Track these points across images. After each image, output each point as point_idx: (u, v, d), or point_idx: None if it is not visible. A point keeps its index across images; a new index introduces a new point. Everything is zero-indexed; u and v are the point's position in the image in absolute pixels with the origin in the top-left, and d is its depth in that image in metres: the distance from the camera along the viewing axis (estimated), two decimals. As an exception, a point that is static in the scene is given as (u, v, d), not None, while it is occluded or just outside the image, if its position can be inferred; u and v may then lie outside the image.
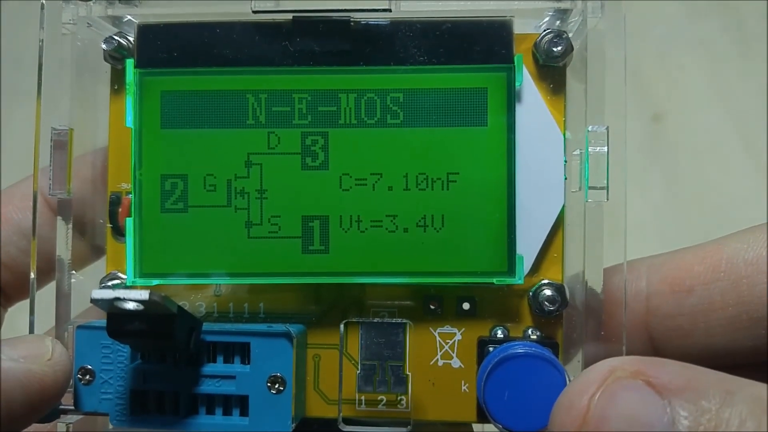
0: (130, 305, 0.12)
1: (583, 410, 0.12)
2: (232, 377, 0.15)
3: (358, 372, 0.16)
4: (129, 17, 0.16)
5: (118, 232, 0.16)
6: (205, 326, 0.15)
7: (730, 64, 0.40)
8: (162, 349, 0.14)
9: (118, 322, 0.13)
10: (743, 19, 0.42)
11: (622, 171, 0.15)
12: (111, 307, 0.13)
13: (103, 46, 0.16)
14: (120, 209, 0.16)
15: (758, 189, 0.36)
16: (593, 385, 0.13)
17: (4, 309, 0.19)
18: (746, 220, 0.31)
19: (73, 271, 0.16)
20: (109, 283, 0.16)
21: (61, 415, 0.15)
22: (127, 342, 0.14)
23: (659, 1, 0.42)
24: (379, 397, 0.16)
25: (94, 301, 0.13)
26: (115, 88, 0.16)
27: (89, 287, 0.17)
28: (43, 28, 0.16)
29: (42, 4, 0.16)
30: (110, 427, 0.15)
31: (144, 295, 0.12)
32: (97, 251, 0.17)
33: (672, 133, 0.38)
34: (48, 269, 0.16)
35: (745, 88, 0.39)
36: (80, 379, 0.15)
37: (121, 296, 0.12)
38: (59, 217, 0.16)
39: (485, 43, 0.15)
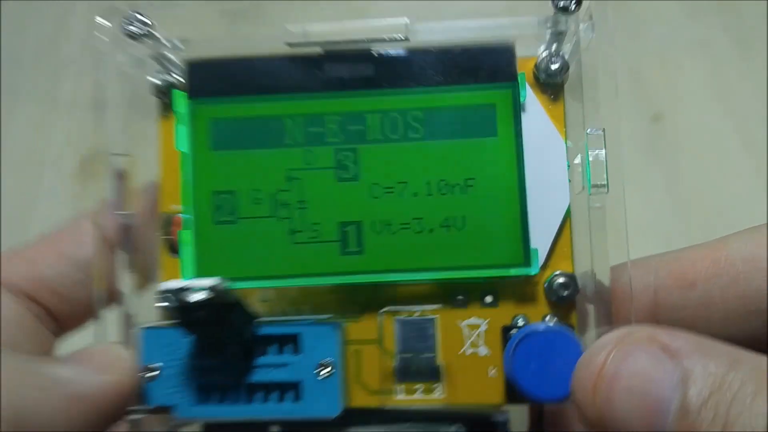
0: (197, 294, 0.14)
1: (599, 366, 0.14)
2: (285, 365, 0.16)
3: (396, 364, 0.18)
4: (170, 55, 0.19)
5: (172, 249, 0.18)
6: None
7: (730, 64, 0.40)
8: (222, 339, 0.16)
9: (185, 311, 0.15)
10: (743, 19, 0.41)
11: (619, 170, 0.17)
12: (179, 297, 0.14)
13: (153, 80, 0.18)
14: (173, 227, 0.18)
15: (758, 189, 0.35)
16: (610, 344, 0.14)
17: (57, 337, 0.21)
18: (746, 220, 0.32)
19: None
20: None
21: (128, 414, 0.17)
22: (192, 330, 0.16)
23: (659, 1, 0.42)
24: (415, 386, 0.18)
25: (162, 291, 0.14)
26: (165, 116, 0.18)
27: (147, 301, 0.19)
28: (100, 66, 0.18)
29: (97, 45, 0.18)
30: (171, 423, 0.17)
31: (210, 282, 0.14)
32: (151, 271, 0.19)
33: (672, 133, 0.37)
34: (105, 297, 0.18)
35: (745, 88, 0.39)
36: (145, 377, 0.16)
37: (189, 285, 0.14)
38: (123, 238, 0.18)
39: (492, 64, 0.18)
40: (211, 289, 0.14)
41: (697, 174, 0.36)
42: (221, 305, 0.15)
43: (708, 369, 0.14)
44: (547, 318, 0.17)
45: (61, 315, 0.20)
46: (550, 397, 0.16)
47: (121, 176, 0.18)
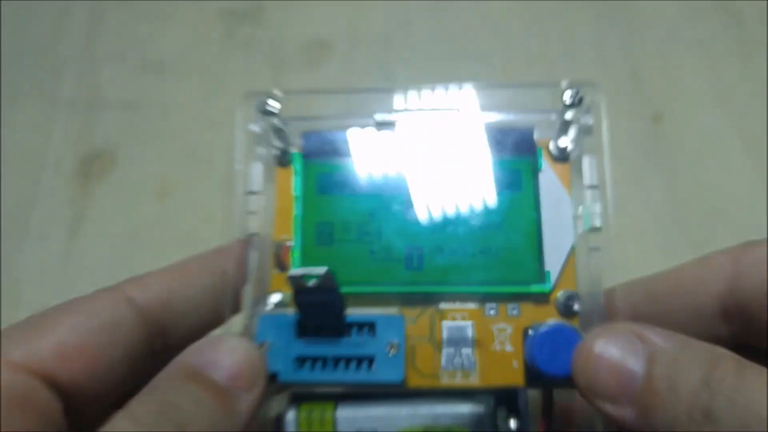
0: (313, 278, 0.21)
1: (589, 349, 0.20)
2: (363, 344, 0.22)
3: (442, 356, 0.23)
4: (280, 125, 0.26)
5: (280, 267, 0.25)
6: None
7: (730, 64, 0.40)
8: (321, 322, 0.22)
9: (302, 293, 0.21)
10: (743, 19, 0.41)
11: (611, 217, 0.24)
12: (298, 283, 0.21)
13: (275, 143, 0.26)
14: (283, 250, 0.25)
15: (758, 189, 0.35)
16: (598, 333, 0.20)
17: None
18: (746, 220, 0.33)
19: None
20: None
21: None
22: (302, 311, 0.22)
23: (659, 1, 0.42)
24: (456, 373, 0.23)
25: (290, 277, 0.21)
26: (282, 167, 0.26)
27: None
28: (240, 131, 0.25)
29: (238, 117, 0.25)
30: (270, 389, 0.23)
31: (321, 270, 0.21)
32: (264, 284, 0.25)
33: (672, 133, 0.38)
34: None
35: (745, 88, 0.39)
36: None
37: (307, 272, 0.21)
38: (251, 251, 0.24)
39: (519, 142, 0.25)
40: (322, 275, 0.21)
41: (696, 174, 0.36)
42: (325, 293, 0.21)
43: (666, 350, 0.19)
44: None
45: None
46: (558, 373, 0.21)
47: (254, 212, 0.25)
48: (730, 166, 0.36)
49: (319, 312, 0.22)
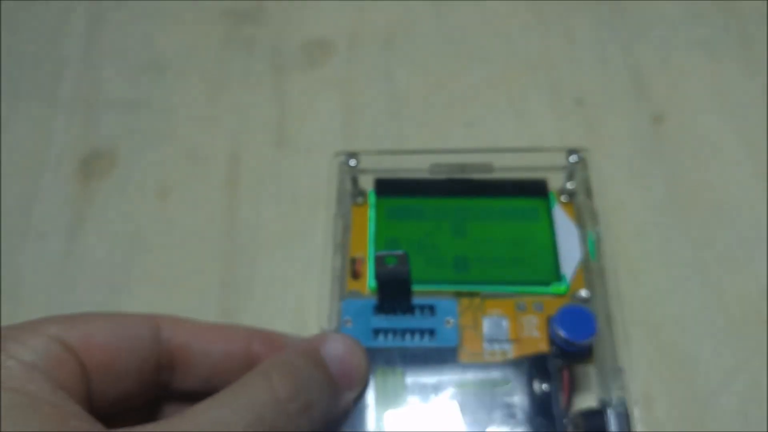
0: (393, 258, 0.28)
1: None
2: (426, 320, 0.29)
3: (484, 339, 0.30)
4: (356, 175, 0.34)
5: (354, 275, 0.32)
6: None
7: (731, 65, 0.40)
8: (397, 293, 0.29)
9: (383, 269, 0.28)
10: (744, 20, 0.41)
11: (611, 248, 0.31)
12: (381, 261, 0.28)
13: (352, 188, 0.34)
14: (357, 262, 0.32)
15: (759, 190, 0.35)
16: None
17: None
18: (747, 221, 0.34)
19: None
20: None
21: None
22: (382, 290, 0.29)
23: (660, 2, 0.42)
24: (496, 352, 0.30)
25: (376, 256, 0.28)
26: (355, 204, 0.33)
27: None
28: (330, 181, 0.33)
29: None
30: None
31: (400, 252, 0.28)
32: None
33: (673, 134, 0.37)
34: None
35: (746, 89, 0.39)
36: (344, 324, 0.29)
37: (389, 253, 0.28)
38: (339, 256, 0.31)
39: (536, 188, 0.33)
40: (401, 255, 0.28)
41: (697, 174, 0.36)
42: (400, 270, 0.28)
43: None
44: (573, 316, 0.30)
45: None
46: (578, 339, 0.28)
47: (345, 228, 0.32)
48: (731, 166, 0.36)
49: (394, 286, 0.29)
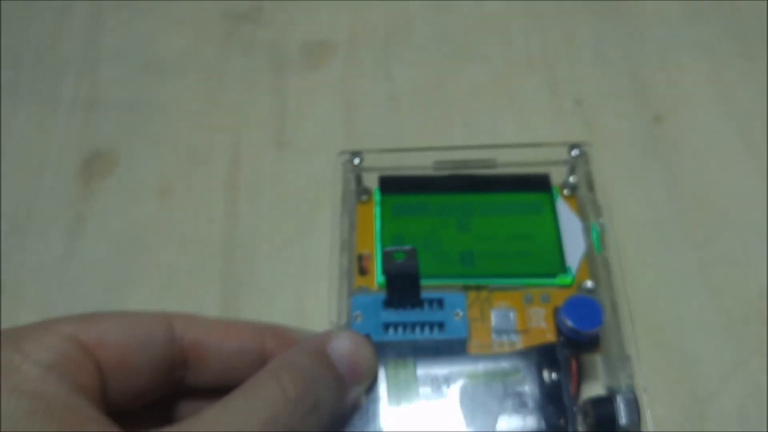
0: (401, 254, 0.28)
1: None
2: (435, 314, 0.29)
3: (492, 331, 0.30)
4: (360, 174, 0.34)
5: (361, 271, 0.32)
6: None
7: (730, 65, 0.40)
8: (405, 287, 0.29)
9: (391, 264, 0.28)
10: (744, 19, 0.42)
11: (614, 239, 0.32)
12: (389, 256, 0.28)
13: (356, 186, 0.34)
14: (364, 259, 0.32)
15: (759, 190, 0.35)
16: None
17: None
18: (747, 221, 0.34)
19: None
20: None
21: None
22: (390, 285, 0.29)
23: (659, 2, 0.43)
24: (504, 344, 0.30)
25: (385, 252, 0.28)
26: (360, 202, 0.34)
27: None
28: (336, 180, 0.33)
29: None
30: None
31: (408, 247, 0.28)
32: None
33: (673, 134, 0.38)
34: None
35: (745, 88, 0.39)
36: (354, 320, 0.29)
37: (397, 249, 0.28)
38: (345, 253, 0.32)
39: (540, 183, 0.34)
40: (408, 250, 0.28)
41: (697, 175, 0.36)
42: (408, 265, 0.29)
43: None
44: (578, 306, 0.31)
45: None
46: (585, 328, 0.28)
47: (350, 226, 0.33)
48: (731, 166, 0.36)
49: (402, 281, 0.29)
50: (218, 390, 0.23)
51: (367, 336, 0.27)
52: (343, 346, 0.24)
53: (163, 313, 0.23)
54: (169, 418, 0.25)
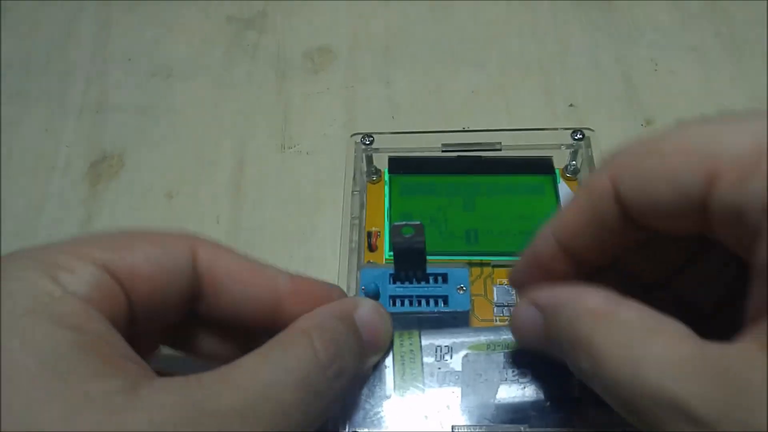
0: (410, 228, 0.29)
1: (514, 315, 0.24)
2: (439, 287, 0.31)
3: (494, 307, 0.32)
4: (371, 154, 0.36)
5: (370, 248, 0.34)
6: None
7: (721, 69, 0.41)
8: (413, 261, 0.30)
9: (399, 239, 0.30)
10: (735, 24, 0.43)
11: None
12: (398, 231, 0.30)
13: (367, 167, 0.36)
14: (373, 236, 0.34)
15: None
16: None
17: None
18: None
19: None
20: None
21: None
22: (399, 258, 0.30)
23: (651, 1, 0.44)
24: (506, 318, 0.31)
25: (394, 225, 0.29)
26: (372, 183, 0.35)
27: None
28: (348, 161, 0.35)
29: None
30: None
31: (416, 222, 0.30)
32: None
33: None
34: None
35: (736, 93, 0.40)
36: (362, 292, 0.31)
37: (406, 223, 0.30)
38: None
39: (543, 166, 0.35)
40: (417, 225, 0.30)
41: None
42: (416, 240, 0.30)
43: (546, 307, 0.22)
44: (578, 285, 0.32)
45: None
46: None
47: (361, 206, 0.34)
48: None
49: (409, 255, 0.30)
50: (227, 322, 0.24)
51: None
52: (367, 314, 0.24)
53: (188, 238, 0.23)
54: (175, 342, 0.25)
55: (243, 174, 0.39)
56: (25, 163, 0.40)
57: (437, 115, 0.41)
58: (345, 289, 0.31)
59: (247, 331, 0.26)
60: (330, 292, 0.26)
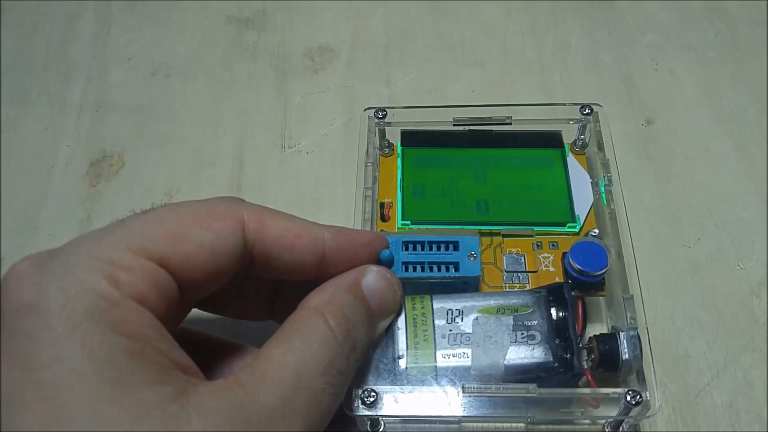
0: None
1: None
2: (451, 254, 0.31)
3: (503, 275, 0.32)
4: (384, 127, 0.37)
5: (382, 218, 0.34)
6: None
7: (721, 69, 0.41)
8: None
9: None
10: (735, 24, 0.43)
11: (618, 192, 0.34)
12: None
13: (377, 139, 0.36)
14: (386, 206, 0.35)
15: (749, 191, 0.36)
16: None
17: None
18: (737, 221, 0.35)
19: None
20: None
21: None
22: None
23: (651, 1, 0.45)
24: (515, 286, 0.32)
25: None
26: (384, 156, 0.36)
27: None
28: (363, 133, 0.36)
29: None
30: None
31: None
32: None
33: (664, 136, 0.39)
34: None
35: (736, 92, 0.40)
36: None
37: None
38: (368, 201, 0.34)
39: (553, 140, 0.36)
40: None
41: (688, 176, 0.37)
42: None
43: None
44: (586, 254, 0.33)
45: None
46: (591, 269, 0.30)
47: (374, 179, 0.35)
48: (721, 168, 0.37)
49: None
50: (262, 283, 0.26)
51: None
52: (374, 281, 0.25)
53: (235, 210, 0.22)
54: (206, 305, 0.26)
55: (243, 173, 0.40)
56: (25, 163, 0.40)
57: (436, 114, 0.40)
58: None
59: (278, 285, 0.27)
60: (371, 243, 0.26)
